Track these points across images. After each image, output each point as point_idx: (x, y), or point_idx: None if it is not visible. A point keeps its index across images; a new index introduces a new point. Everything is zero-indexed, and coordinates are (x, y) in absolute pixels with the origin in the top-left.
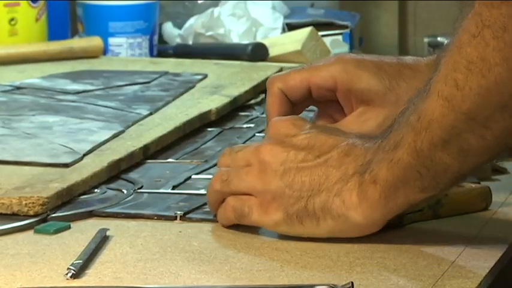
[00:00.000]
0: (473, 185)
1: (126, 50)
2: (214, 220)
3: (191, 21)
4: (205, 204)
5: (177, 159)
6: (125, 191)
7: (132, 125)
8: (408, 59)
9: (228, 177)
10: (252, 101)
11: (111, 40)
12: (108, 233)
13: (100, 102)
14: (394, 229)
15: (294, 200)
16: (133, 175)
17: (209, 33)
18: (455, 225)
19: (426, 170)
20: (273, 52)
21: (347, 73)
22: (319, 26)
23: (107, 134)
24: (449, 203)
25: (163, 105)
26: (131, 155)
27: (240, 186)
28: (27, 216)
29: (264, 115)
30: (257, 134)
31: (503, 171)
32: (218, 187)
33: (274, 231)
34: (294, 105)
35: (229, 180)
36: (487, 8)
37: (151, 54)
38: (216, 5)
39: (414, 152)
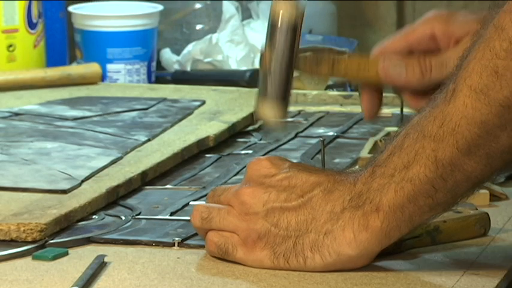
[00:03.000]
0: (472, 211)
1: (124, 76)
2: None
3: (189, 47)
4: None
5: (175, 185)
6: (123, 217)
7: (131, 151)
8: None
9: (209, 214)
10: (250, 127)
11: (109, 66)
12: (106, 259)
13: (98, 129)
14: (392, 255)
15: (280, 239)
16: (131, 201)
17: (207, 59)
18: (453, 252)
19: (443, 183)
20: None
21: (443, 19)
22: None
23: (105, 160)
24: (448, 230)
25: (162, 132)
26: (129, 181)
27: (222, 224)
28: (25, 242)
29: (262, 141)
30: None
31: (501, 197)
32: (198, 224)
33: (260, 268)
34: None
35: (209, 218)
36: None
37: (150, 81)
38: (214, 31)
39: (433, 164)
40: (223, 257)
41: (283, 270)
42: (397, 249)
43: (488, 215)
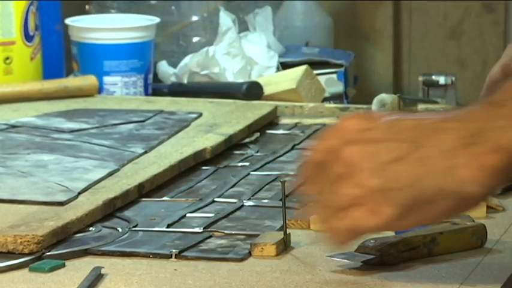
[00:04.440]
0: (468, 223)
1: (121, 89)
2: (209, 258)
3: (186, 60)
4: (200, 242)
5: (172, 197)
6: (120, 229)
7: (127, 163)
8: None
9: (323, 199)
10: (247, 140)
11: (106, 79)
12: (102, 271)
13: (95, 141)
14: (389, 267)
15: (401, 193)
16: (128, 213)
17: (204, 72)
18: (449, 264)
19: None
20: (267, 90)
21: None
22: (314, 64)
23: (102, 173)
24: (445, 241)
25: (158, 144)
26: (126, 193)
27: (340, 201)
28: (22, 254)
29: (259, 154)
30: (252, 173)
31: (498, 209)
32: (322, 216)
33: (389, 229)
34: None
35: (324, 201)
36: None
37: (146, 93)
38: (210, 44)
39: None
40: (353, 238)
41: (412, 225)
42: (393, 261)
43: (485, 227)
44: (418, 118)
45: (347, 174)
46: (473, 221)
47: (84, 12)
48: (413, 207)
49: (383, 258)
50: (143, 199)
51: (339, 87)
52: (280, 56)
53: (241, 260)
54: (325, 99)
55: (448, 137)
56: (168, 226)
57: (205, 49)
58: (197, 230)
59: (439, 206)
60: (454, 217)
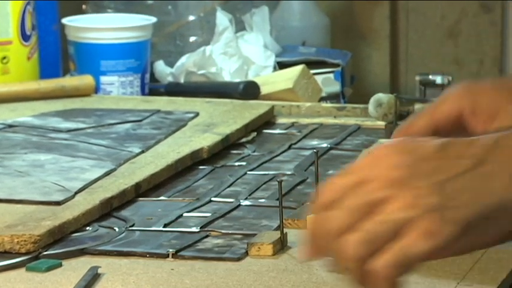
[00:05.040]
0: None
1: (117, 89)
2: (206, 258)
3: (183, 59)
4: (197, 241)
5: (169, 197)
6: (117, 229)
7: (124, 163)
8: None
9: (367, 236)
10: (244, 139)
11: (103, 78)
12: (99, 271)
13: (92, 141)
14: None
15: (461, 210)
16: (125, 213)
17: (201, 71)
18: (447, 262)
19: None
20: (264, 90)
21: (470, 95)
22: (310, 64)
23: (99, 172)
24: None
25: (155, 143)
26: (123, 193)
27: (385, 229)
28: (19, 254)
29: (255, 153)
30: (249, 172)
31: None
32: (359, 253)
33: (445, 253)
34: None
35: (369, 235)
36: None
37: (143, 93)
38: (207, 44)
39: None
40: (404, 272)
41: (472, 248)
42: None
43: None
44: (468, 139)
45: (391, 198)
46: None
47: (81, 12)
48: (473, 226)
49: None
50: (140, 199)
51: (335, 87)
52: (277, 56)
53: (238, 259)
54: (322, 99)
55: (510, 151)
56: (165, 226)
57: (202, 49)
58: (194, 229)
59: (500, 224)
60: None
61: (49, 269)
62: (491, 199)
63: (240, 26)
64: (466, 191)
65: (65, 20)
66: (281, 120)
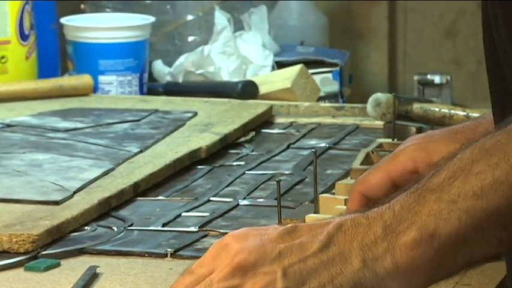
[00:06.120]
0: None
1: (116, 88)
2: None
3: (181, 59)
4: (195, 241)
5: (167, 196)
6: (115, 229)
7: (122, 162)
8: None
9: None
10: (242, 139)
11: (101, 78)
12: (98, 270)
13: (90, 140)
14: None
15: None
16: (123, 212)
17: (199, 71)
18: None
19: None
20: (263, 90)
21: (423, 149)
22: (309, 63)
23: (97, 172)
24: None
25: (154, 143)
26: (121, 193)
27: None
28: (17, 253)
29: (254, 153)
30: (247, 172)
31: None
32: None
33: None
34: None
35: None
36: None
37: (141, 92)
38: (206, 43)
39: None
40: None
41: None
42: None
43: None
44: (323, 222)
45: (239, 286)
46: None
47: (79, 11)
48: None
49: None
50: (138, 198)
51: (334, 87)
52: (275, 55)
53: None
54: (320, 99)
55: (364, 230)
56: (164, 225)
57: (200, 48)
58: (192, 229)
59: None
60: None
61: (47, 268)
62: (340, 281)
63: (238, 26)
64: (314, 274)
65: (63, 20)
66: (279, 120)
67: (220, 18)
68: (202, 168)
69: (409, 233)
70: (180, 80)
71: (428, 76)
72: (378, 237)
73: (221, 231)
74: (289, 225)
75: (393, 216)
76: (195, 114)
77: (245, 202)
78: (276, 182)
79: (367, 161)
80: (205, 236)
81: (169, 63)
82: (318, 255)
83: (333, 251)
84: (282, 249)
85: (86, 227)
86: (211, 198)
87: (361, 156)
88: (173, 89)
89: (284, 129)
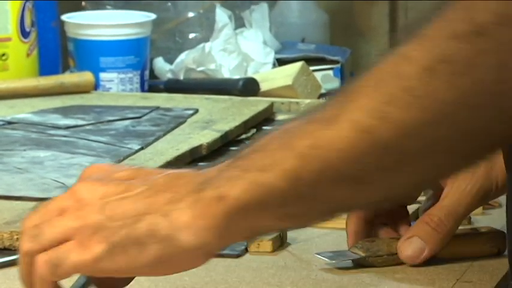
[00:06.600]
0: (483, 229)
1: (117, 85)
2: None
3: (182, 56)
4: None
5: None
6: None
7: (123, 159)
8: None
9: (39, 231)
10: (243, 136)
11: (102, 75)
12: None
13: (91, 137)
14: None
15: (116, 230)
16: None
17: (200, 68)
18: (446, 260)
19: (300, 200)
20: (264, 87)
21: None
22: (310, 61)
23: None
24: (448, 246)
25: (154, 140)
26: None
27: (54, 233)
28: (18, 251)
29: None
30: None
31: (494, 205)
32: (27, 247)
33: (97, 270)
34: (370, 223)
35: (39, 233)
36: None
37: (142, 90)
38: (207, 40)
39: (292, 180)
40: (55, 273)
41: (121, 267)
42: (382, 264)
43: (503, 234)
44: (162, 169)
45: (74, 208)
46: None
47: (80, 8)
48: (123, 247)
49: (370, 259)
50: None
51: (335, 84)
52: (276, 53)
53: (238, 256)
54: (322, 96)
55: (182, 183)
56: None
57: (201, 45)
58: None
59: (149, 250)
60: (172, 269)
61: None
62: (143, 224)
63: (239, 23)
64: (123, 214)
65: (64, 17)
66: (280, 117)
67: (221, 15)
68: (203, 165)
69: (210, 192)
70: (181, 77)
71: None
72: (189, 191)
73: None
74: (134, 167)
75: (205, 175)
76: (196, 111)
77: None
78: None
79: None
80: None
81: (170, 61)
82: (133, 197)
83: (147, 198)
84: (112, 187)
85: None
86: None
87: None
88: (174, 86)
89: None
